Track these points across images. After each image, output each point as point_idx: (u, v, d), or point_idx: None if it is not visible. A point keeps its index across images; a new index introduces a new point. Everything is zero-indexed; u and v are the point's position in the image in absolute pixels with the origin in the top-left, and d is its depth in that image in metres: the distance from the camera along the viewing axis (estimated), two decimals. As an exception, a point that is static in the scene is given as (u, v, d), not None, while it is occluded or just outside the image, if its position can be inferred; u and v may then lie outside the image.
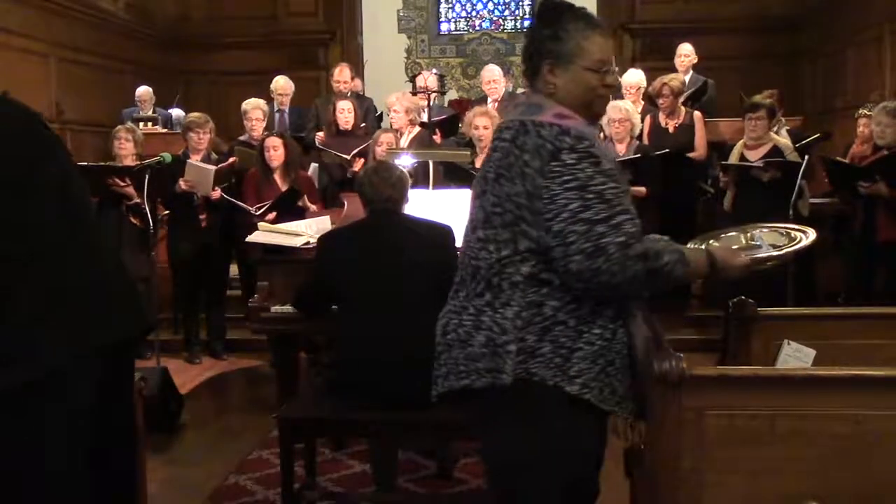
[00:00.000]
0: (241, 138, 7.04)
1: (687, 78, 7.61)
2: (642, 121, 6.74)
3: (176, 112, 8.77)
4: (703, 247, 2.32)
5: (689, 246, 2.29)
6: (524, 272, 2.06)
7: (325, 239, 3.61)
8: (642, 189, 5.87)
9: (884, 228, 5.51)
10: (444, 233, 3.39)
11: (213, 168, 6.12)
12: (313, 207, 5.92)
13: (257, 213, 5.95)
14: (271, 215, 5.87)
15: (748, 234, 2.50)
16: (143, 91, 8.64)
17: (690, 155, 6.63)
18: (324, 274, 3.51)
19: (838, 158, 6.11)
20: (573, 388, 2.03)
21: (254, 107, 6.96)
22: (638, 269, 2.00)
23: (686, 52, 7.76)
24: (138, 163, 6.05)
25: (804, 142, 6.29)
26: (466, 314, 2.11)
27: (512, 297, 2.06)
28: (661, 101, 6.73)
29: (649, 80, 7.15)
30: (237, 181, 6.35)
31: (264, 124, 6.92)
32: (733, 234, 2.54)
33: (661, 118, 6.77)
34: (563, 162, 2.01)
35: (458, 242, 2.74)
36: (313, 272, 3.61)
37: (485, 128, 5.48)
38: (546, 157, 2.03)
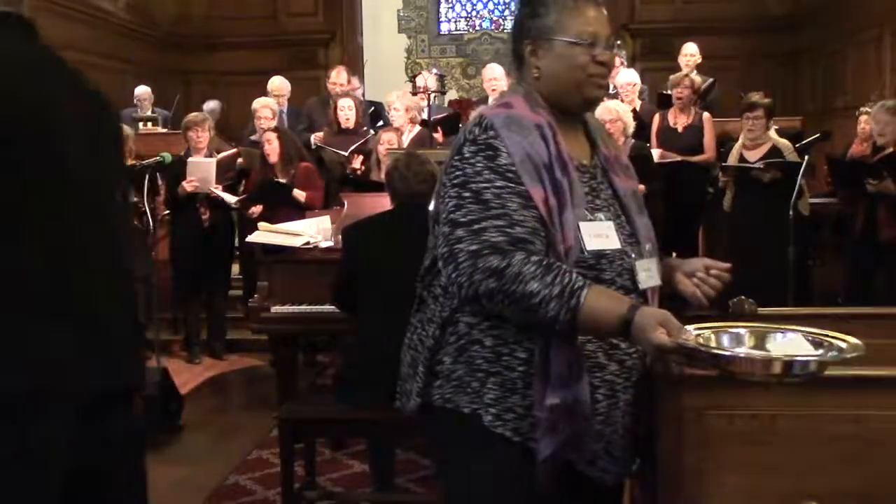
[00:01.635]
0: (252, 138, 7.05)
1: None
2: (650, 120, 6.75)
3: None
4: (636, 303, 1.75)
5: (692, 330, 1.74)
6: (442, 283, 1.85)
7: (348, 231, 3.56)
8: (641, 187, 5.86)
9: (885, 228, 5.51)
10: None
11: (214, 160, 6.13)
12: (303, 196, 5.89)
13: (237, 206, 5.95)
14: (257, 208, 5.87)
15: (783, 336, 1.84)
16: (143, 91, 8.64)
17: (697, 159, 6.62)
18: (348, 266, 3.47)
19: (841, 158, 6.11)
20: (487, 419, 1.79)
21: (263, 105, 6.98)
22: (490, 287, 1.70)
23: (691, 52, 7.74)
24: (137, 163, 6.05)
25: (804, 142, 6.29)
26: (409, 330, 1.97)
27: (434, 311, 1.87)
28: (679, 90, 6.69)
29: (648, 80, 7.15)
30: (246, 182, 6.38)
31: (273, 123, 6.93)
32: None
33: (671, 118, 6.76)
34: (462, 156, 1.80)
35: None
36: (338, 265, 3.57)
37: None
38: (453, 152, 1.84)
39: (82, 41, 8.86)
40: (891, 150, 5.55)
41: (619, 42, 9.39)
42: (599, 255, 1.81)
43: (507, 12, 13.50)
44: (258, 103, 7.05)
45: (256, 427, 4.80)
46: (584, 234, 1.79)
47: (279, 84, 7.89)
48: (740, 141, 6.05)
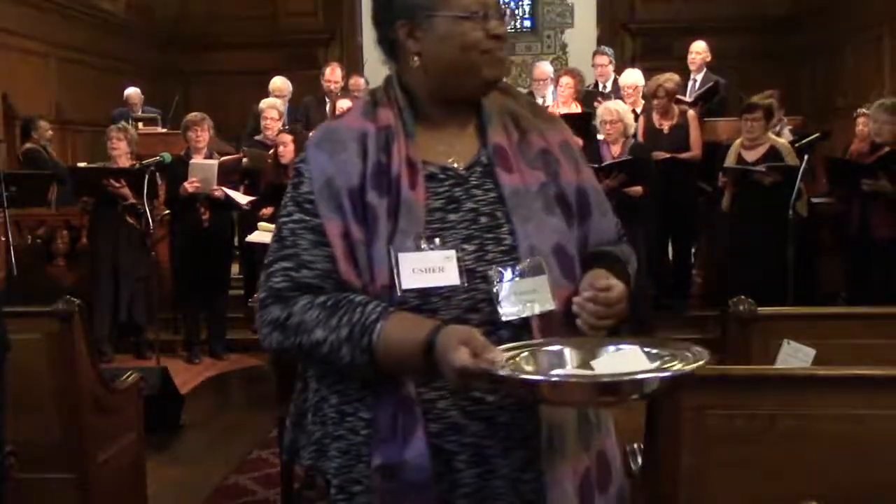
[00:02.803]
0: (257, 138, 7.08)
1: (700, 77, 7.57)
2: (636, 121, 6.73)
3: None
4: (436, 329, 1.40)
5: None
6: None
7: None
8: (639, 189, 5.87)
9: (880, 226, 5.54)
10: None
11: (216, 162, 6.14)
12: None
13: (247, 207, 5.96)
14: (268, 209, 5.88)
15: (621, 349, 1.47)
16: (133, 92, 8.61)
17: (684, 156, 6.61)
18: None
19: (838, 157, 6.12)
20: (332, 491, 1.54)
21: (269, 106, 7.02)
22: (278, 340, 1.49)
23: (698, 50, 7.67)
24: (137, 163, 6.06)
25: (804, 141, 6.29)
26: None
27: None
28: (655, 101, 6.71)
29: (648, 81, 7.14)
30: (251, 183, 6.39)
31: (280, 124, 6.96)
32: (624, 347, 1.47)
33: (655, 119, 6.76)
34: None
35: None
36: None
37: None
38: None
39: (82, 41, 8.87)
40: (887, 149, 5.57)
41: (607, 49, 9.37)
42: (425, 292, 1.45)
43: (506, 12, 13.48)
44: (265, 104, 7.08)
45: (256, 427, 4.80)
46: (402, 269, 1.44)
47: (280, 84, 7.90)
48: (738, 141, 6.05)
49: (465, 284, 1.46)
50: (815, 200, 6.34)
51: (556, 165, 1.58)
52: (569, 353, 1.44)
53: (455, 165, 1.56)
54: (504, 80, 1.61)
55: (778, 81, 8.11)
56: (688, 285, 7.00)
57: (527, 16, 13.45)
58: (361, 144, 1.51)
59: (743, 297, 2.84)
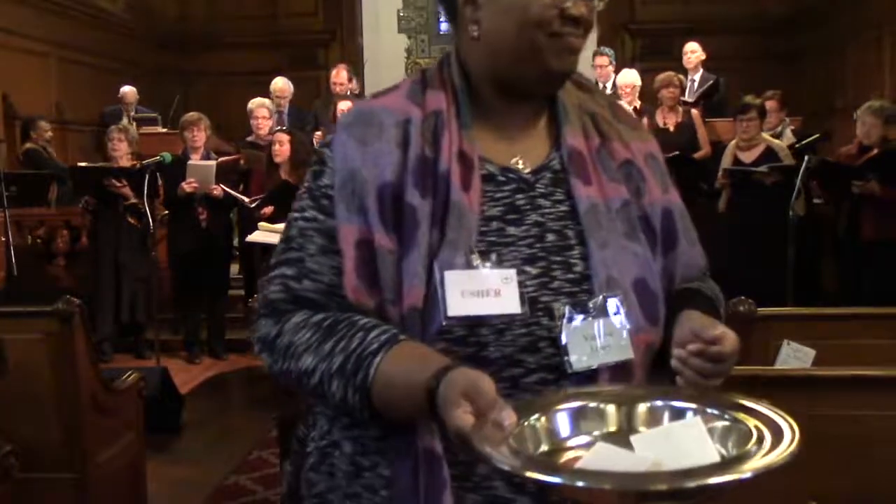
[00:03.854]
0: (249, 139, 7.07)
1: (697, 76, 7.59)
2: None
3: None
4: (441, 376, 1.07)
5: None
6: None
7: None
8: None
9: (868, 229, 5.57)
10: None
11: (214, 163, 6.14)
12: None
13: (252, 206, 5.96)
14: (268, 209, 5.88)
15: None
16: (128, 90, 8.59)
17: (698, 155, 6.62)
18: None
19: (828, 159, 6.13)
20: None
21: (259, 105, 7.02)
22: (269, 364, 1.25)
23: (692, 49, 7.72)
24: (137, 163, 6.06)
25: (804, 142, 6.29)
26: None
27: None
28: (669, 90, 6.68)
29: (648, 80, 7.14)
30: (247, 185, 6.38)
31: (270, 123, 6.96)
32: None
33: (660, 118, 6.76)
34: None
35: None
36: None
37: None
38: None
39: (82, 41, 8.86)
40: (875, 151, 5.58)
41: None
42: (474, 322, 1.15)
43: None
44: (254, 104, 7.08)
45: (256, 427, 4.80)
46: (448, 290, 1.14)
47: (282, 85, 7.90)
48: (734, 142, 6.05)
49: (527, 316, 1.17)
50: (816, 201, 6.34)
51: (641, 181, 1.29)
52: (610, 413, 1.08)
53: (520, 167, 1.27)
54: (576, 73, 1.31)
55: (778, 81, 8.10)
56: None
57: (527, 16, 13.46)
58: (403, 132, 1.22)
59: (743, 297, 2.84)
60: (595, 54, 8.07)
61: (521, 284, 1.17)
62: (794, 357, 2.68)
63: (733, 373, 1.72)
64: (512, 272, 1.17)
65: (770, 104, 6.33)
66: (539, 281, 1.20)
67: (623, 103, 6.41)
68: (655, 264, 1.27)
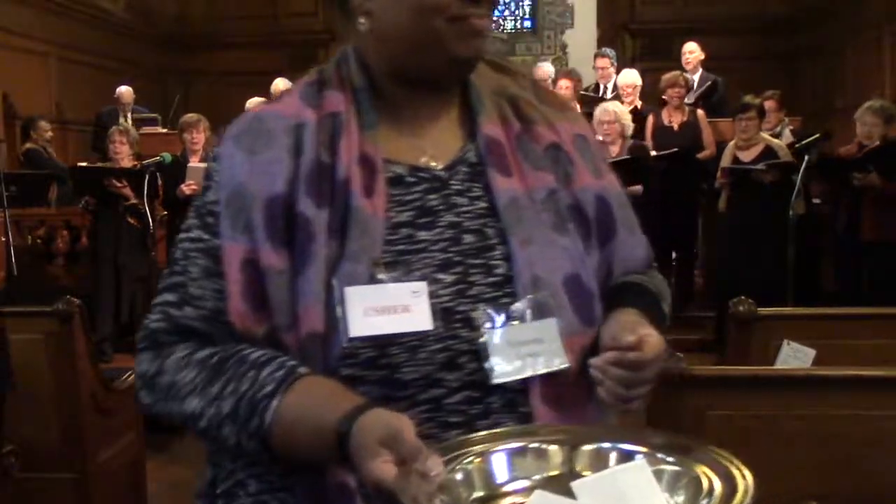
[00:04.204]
0: None
1: (696, 77, 7.59)
2: (644, 120, 6.75)
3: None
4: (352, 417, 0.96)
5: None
6: None
7: None
8: (638, 188, 5.87)
9: (867, 229, 5.55)
10: None
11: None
12: None
13: None
14: None
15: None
16: (125, 90, 8.57)
17: (702, 155, 6.62)
18: None
19: (828, 154, 6.13)
20: None
21: (253, 106, 7.02)
22: (149, 402, 1.12)
23: (690, 50, 7.70)
24: (137, 163, 6.07)
25: (804, 142, 6.30)
26: None
27: None
28: (675, 90, 6.69)
29: (648, 80, 7.15)
30: None
31: None
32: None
33: (665, 116, 6.77)
34: None
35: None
36: None
37: None
38: None
39: (82, 41, 8.87)
40: (876, 143, 5.57)
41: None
42: (383, 342, 1.03)
43: (506, 12, 13.51)
44: (251, 104, 7.07)
45: (256, 427, 4.79)
46: (350, 308, 1.02)
47: (282, 85, 7.89)
48: (733, 142, 6.06)
49: (441, 330, 1.04)
50: (815, 201, 6.34)
51: (570, 165, 1.17)
52: (551, 454, 0.96)
53: (431, 165, 1.14)
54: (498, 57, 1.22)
55: (778, 81, 8.12)
56: (689, 285, 7.01)
57: (527, 16, 13.46)
58: (295, 137, 1.10)
59: (743, 297, 2.84)
60: (596, 56, 8.07)
61: (433, 295, 1.05)
62: (794, 357, 2.68)
63: (734, 372, 1.68)
64: (422, 284, 1.05)
65: (769, 104, 6.34)
66: (455, 289, 1.07)
67: (617, 104, 6.46)
68: (590, 258, 1.15)
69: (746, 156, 5.94)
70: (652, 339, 1.04)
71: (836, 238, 6.11)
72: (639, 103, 7.10)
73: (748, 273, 5.45)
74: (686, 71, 7.63)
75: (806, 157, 5.71)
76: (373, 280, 1.04)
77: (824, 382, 2.04)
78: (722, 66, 8.53)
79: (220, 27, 10.80)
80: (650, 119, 6.78)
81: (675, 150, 6.41)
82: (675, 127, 6.72)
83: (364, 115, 1.13)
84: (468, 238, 1.10)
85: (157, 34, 10.38)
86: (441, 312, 1.05)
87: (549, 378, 1.07)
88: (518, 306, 1.07)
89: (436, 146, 1.15)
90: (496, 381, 1.04)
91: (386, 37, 1.11)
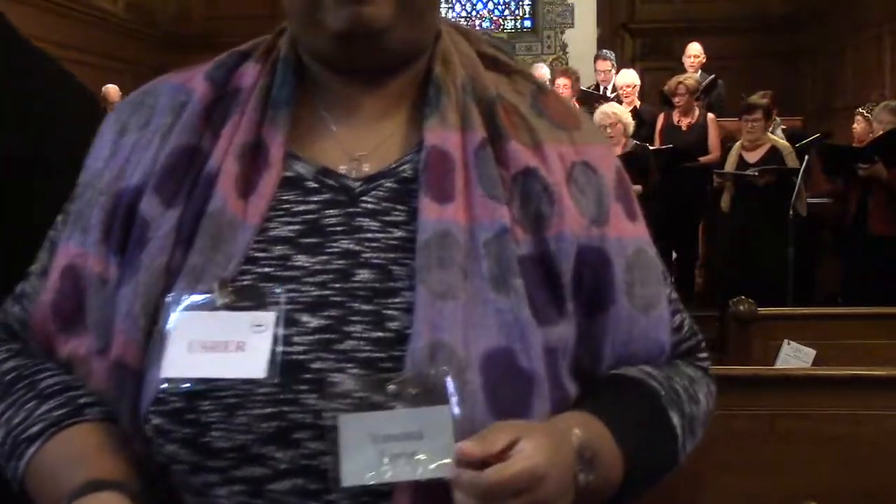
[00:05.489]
0: None
1: (696, 76, 7.62)
2: (656, 119, 6.83)
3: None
4: None
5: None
6: None
7: None
8: (637, 187, 5.87)
9: (876, 223, 5.54)
10: None
11: None
12: None
13: None
14: None
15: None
16: (111, 89, 8.47)
17: (704, 159, 6.67)
18: None
19: (834, 143, 6.14)
20: None
21: None
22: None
23: (695, 53, 7.79)
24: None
25: (804, 142, 6.30)
26: None
27: None
28: (676, 99, 6.79)
29: (648, 80, 7.17)
30: None
31: None
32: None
33: (675, 116, 6.84)
34: None
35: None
36: None
37: None
38: None
39: (82, 41, 8.87)
40: (881, 132, 5.57)
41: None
42: (197, 392, 0.78)
43: (506, 12, 13.51)
44: None
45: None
46: (173, 338, 0.79)
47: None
48: (739, 142, 6.07)
49: (276, 389, 0.77)
50: (810, 201, 6.34)
51: (547, 204, 0.86)
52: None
53: (347, 172, 0.88)
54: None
55: (778, 81, 8.12)
56: (689, 285, 7.01)
57: (527, 16, 13.46)
58: (176, 116, 0.90)
59: (743, 297, 2.84)
60: (597, 58, 8.08)
61: (286, 340, 0.78)
62: (794, 357, 2.68)
63: (734, 372, 1.68)
64: (269, 316, 0.78)
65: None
66: (319, 337, 0.79)
67: (616, 105, 6.46)
68: (549, 329, 0.83)
69: (752, 156, 5.95)
70: (525, 458, 0.71)
71: (843, 233, 6.11)
72: (638, 103, 7.11)
73: (748, 273, 5.46)
74: (687, 71, 7.66)
75: (806, 158, 5.73)
76: (212, 307, 0.79)
77: (824, 382, 2.04)
78: (722, 65, 8.54)
79: (220, 27, 10.79)
80: (661, 118, 6.87)
81: (672, 146, 6.43)
82: (684, 127, 6.78)
83: (276, 90, 0.89)
84: (363, 274, 0.82)
85: (157, 34, 10.38)
86: (286, 365, 0.77)
87: (426, 487, 0.75)
88: (400, 381, 0.75)
89: (374, 151, 0.89)
90: (345, 483, 0.74)
91: (287, 11, 0.90)
